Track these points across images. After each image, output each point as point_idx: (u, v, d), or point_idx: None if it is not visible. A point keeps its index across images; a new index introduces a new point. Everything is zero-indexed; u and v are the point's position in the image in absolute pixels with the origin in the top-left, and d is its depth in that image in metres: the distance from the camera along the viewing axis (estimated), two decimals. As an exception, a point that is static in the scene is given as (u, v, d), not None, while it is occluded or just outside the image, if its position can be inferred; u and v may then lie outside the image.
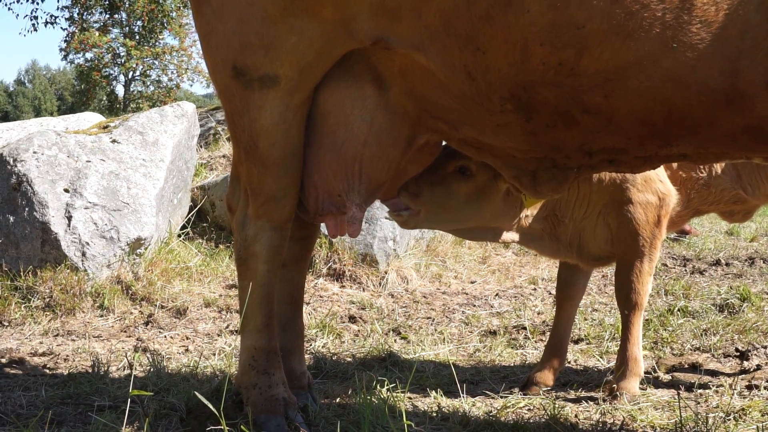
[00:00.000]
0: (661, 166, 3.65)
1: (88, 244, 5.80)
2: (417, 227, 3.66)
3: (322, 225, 3.40)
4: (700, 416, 3.31)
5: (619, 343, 3.94)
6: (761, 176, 4.01)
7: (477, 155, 3.16)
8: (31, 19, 31.87)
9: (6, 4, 28.39)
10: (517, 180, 3.14)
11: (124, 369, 4.35)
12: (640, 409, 3.60)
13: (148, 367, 4.19)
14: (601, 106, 2.64)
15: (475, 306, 6.27)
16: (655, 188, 3.80)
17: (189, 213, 7.36)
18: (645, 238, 3.80)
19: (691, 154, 2.84)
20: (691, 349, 4.73)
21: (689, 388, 3.95)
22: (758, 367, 4.30)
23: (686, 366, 4.40)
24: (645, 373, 4.17)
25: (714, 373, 4.26)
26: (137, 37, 36.85)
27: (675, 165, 3.88)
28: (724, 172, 3.98)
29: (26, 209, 5.77)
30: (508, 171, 3.13)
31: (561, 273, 4.20)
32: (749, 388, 3.94)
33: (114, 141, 6.59)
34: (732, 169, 3.99)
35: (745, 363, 4.39)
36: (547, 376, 4.05)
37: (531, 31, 2.54)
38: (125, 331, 5.29)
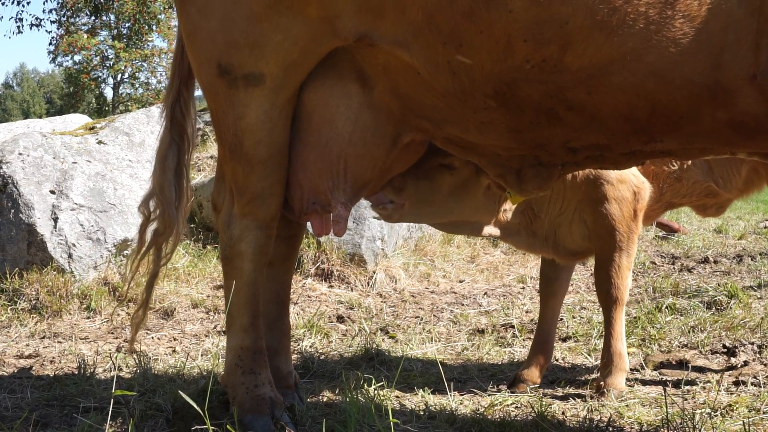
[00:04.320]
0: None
1: (74, 245, 5.78)
2: (400, 221, 3.66)
3: (308, 224, 3.39)
4: (686, 412, 3.31)
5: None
6: (733, 170, 4.01)
7: (462, 154, 3.15)
8: (16, 21, 31.81)
9: (-9, 6, 28.35)
10: (502, 178, 3.13)
11: (110, 371, 4.33)
12: (627, 405, 3.60)
13: (135, 369, 4.17)
14: (584, 102, 2.64)
15: (463, 305, 6.27)
16: (629, 183, 3.80)
17: (176, 214, 7.32)
18: (622, 234, 3.80)
19: (676, 150, 2.84)
20: (678, 346, 4.74)
21: (676, 384, 3.95)
22: (745, 363, 4.31)
23: (674, 363, 4.40)
24: (633, 370, 4.17)
25: (701, 370, 4.27)
26: (125, 39, 36.69)
27: None
28: (695, 165, 3.98)
29: (12, 211, 5.74)
30: (493, 169, 3.13)
31: (543, 269, 4.19)
32: (736, 384, 3.95)
33: (100, 142, 6.57)
34: (703, 162, 3.99)
35: (732, 359, 4.40)
36: (534, 374, 4.05)
37: (514, 27, 2.54)
38: (112, 333, 5.27)
